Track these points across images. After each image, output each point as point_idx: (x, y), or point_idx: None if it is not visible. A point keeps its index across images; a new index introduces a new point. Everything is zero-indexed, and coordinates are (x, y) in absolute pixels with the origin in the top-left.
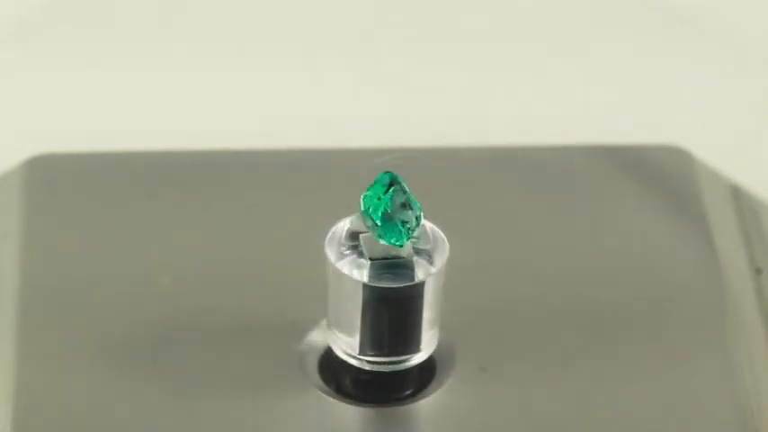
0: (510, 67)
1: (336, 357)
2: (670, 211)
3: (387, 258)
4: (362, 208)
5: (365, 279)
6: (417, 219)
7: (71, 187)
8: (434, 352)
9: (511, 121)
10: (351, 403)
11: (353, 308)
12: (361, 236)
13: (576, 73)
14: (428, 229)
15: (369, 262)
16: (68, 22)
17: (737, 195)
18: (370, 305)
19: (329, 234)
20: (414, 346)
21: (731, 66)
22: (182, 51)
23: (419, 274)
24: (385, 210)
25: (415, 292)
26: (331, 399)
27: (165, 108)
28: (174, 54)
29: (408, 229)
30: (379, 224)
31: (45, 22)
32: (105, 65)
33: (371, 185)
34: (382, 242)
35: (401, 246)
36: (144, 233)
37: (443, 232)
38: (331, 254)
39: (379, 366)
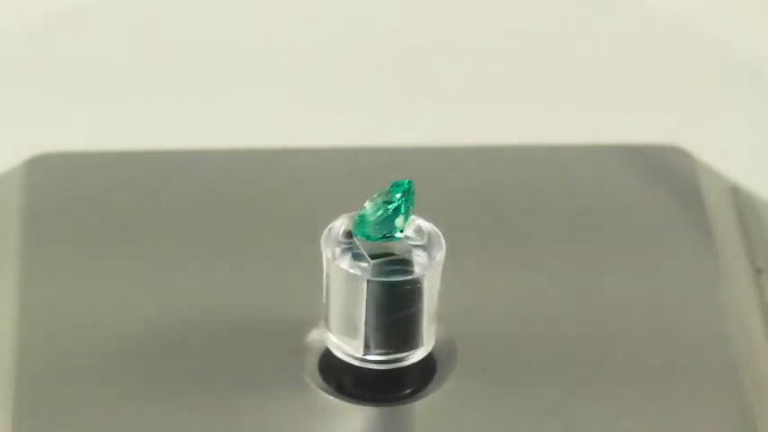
0: (511, 66)
1: (336, 357)
2: (670, 211)
3: (386, 255)
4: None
5: (360, 273)
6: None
7: (71, 187)
8: (434, 352)
9: (511, 122)
10: (351, 403)
11: (354, 305)
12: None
13: (576, 72)
14: (423, 226)
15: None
16: (70, 27)
17: (737, 195)
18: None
19: (325, 232)
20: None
21: (731, 66)
22: (182, 51)
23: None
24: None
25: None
26: (331, 398)
27: (165, 108)
28: (173, 53)
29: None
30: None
31: (48, 26)
32: (106, 66)
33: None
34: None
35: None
36: (143, 233)
37: (442, 231)
38: (328, 252)
39: (377, 365)
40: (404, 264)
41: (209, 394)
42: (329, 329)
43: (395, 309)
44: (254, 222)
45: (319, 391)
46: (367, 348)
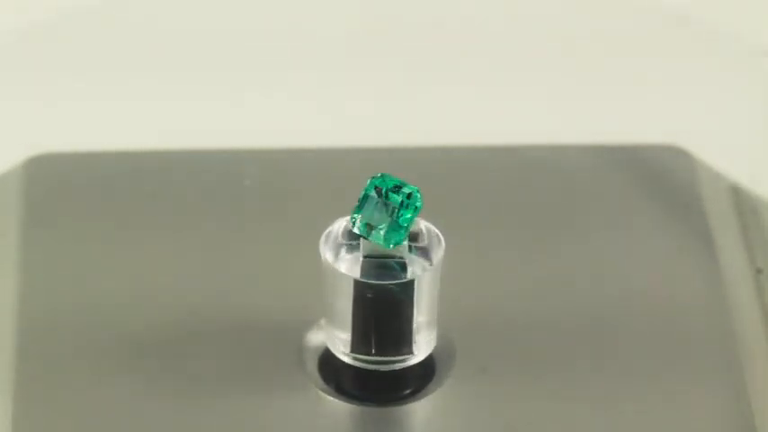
0: (511, 66)
1: (336, 357)
2: (670, 211)
3: (384, 257)
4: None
5: (357, 275)
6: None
7: (71, 187)
8: (434, 352)
9: (511, 122)
10: (351, 403)
11: (346, 305)
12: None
13: (576, 73)
14: (423, 227)
15: (362, 259)
16: (70, 27)
17: (737, 195)
18: (359, 301)
19: (324, 234)
20: (406, 348)
21: (731, 66)
22: (182, 51)
23: (412, 273)
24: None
25: (407, 290)
26: (331, 398)
27: (165, 108)
28: (173, 54)
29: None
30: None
31: (48, 27)
32: (105, 66)
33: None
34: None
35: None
36: (143, 233)
37: (443, 232)
38: (327, 253)
39: (371, 365)
40: (404, 265)
41: (208, 394)
42: (329, 331)
43: (395, 310)
44: (253, 222)
45: (319, 392)
46: (367, 349)
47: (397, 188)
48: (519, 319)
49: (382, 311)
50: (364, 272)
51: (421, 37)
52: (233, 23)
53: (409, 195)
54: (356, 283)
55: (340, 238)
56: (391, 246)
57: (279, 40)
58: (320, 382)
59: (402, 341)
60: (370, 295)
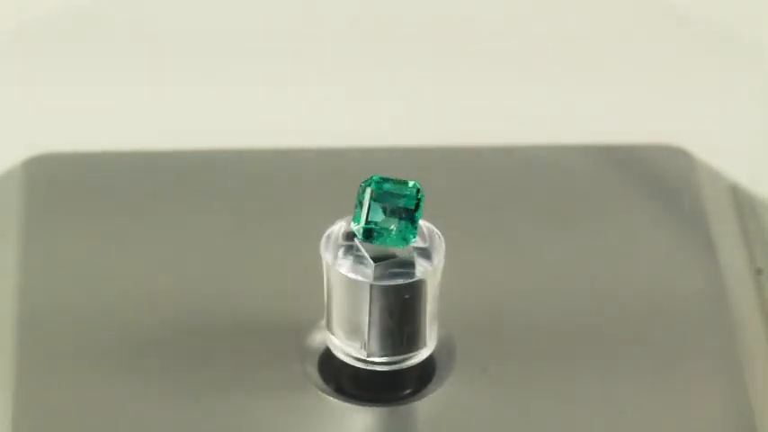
0: (511, 66)
1: (336, 357)
2: (670, 211)
3: (388, 257)
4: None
5: (369, 279)
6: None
7: (71, 187)
8: (434, 352)
9: (511, 122)
10: (351, 403)
11: (361, 311)
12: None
13: (576, 72)
14: (424, 227)
15: (371, 262)
16: (70, 27)
17: (737, 195)
18: (377, 305)
19: (324, 237)
20: (420, 342)
21: (731, 66)
22: (181, 51)
23: (418, 272)
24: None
25: (421, 287)
26: (331, 399)
27: (165, 108)
28: (173, 53)
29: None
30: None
31: (48, 27)
32: (105, 66)
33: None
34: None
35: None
36: (143, 233)
37: (443, 232)
38: (328, 256)
39: (383, 366)
40: (405, 266)
41: (209, 394)
42: (331, 331)
43: (397, 311)
44: (253, 222)
45: (319, 392)
46: (369, 350)
47: (386, 182)
48: (519, 319)
49: (401, 311)
50: (378, 275)
51: (421, 37)
52: (233, 23)
53: (408, 194)
54: (373, 287)
55: (340, 240)
56: (405, 244)
57: (279, 39)
58: (320, 382)
59: (417, 337)
60: (407, 296)
